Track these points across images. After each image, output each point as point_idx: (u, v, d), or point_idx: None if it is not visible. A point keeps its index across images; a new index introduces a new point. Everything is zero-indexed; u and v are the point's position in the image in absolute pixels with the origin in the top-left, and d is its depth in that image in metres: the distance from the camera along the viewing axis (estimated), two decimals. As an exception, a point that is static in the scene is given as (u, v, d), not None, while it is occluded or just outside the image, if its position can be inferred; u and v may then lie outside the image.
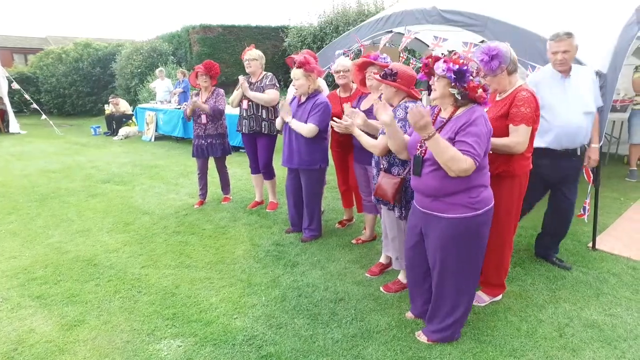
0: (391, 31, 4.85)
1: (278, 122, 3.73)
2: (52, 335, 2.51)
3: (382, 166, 2.64)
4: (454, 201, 2.04)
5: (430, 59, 2.04)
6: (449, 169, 1.95)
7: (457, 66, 1.92)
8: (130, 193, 5.34)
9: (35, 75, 14.89)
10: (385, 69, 2.51)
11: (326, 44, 7.86)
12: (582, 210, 3.29)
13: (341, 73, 3.50)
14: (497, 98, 2.49)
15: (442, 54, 2.06)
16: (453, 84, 1.97)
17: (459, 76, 1.94)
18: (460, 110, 2.04)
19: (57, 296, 2.93)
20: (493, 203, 2.13)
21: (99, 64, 14.53)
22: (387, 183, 2.52)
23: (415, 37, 5.82)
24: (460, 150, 1.94)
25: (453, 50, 2.06)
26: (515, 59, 2.43)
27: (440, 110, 2.16)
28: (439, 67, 1.97)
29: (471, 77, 1.94)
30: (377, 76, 2.55)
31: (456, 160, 1.91)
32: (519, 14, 3.58)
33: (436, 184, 2.04)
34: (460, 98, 2.00)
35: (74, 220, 4.40)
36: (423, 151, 2.10)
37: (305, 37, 11.13)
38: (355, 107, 3.27)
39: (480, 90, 1.95)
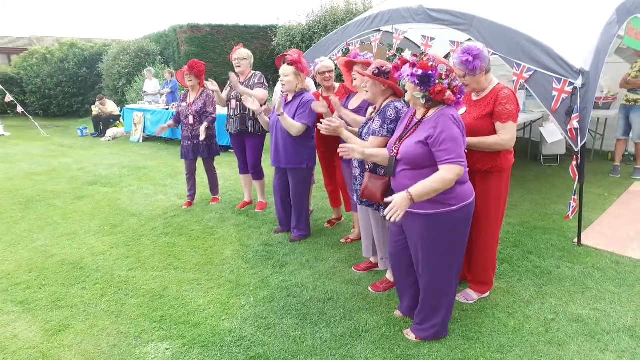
0: (379, 30, 4.87)
1: (264, 123, 3.71)
2: (36, 341, 2.47)
3: (367, 167, 2.63)
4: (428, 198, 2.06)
5: (400, 61, 2.07)
6: (447, 188, 1.98)
7: (420, 71, 1.94)
8: (118, 195, 5.27)
9: (20, 76, 14.62)
10: (378, 67, 2.49)
11: (315, 43, 7.85)
12: (568, 207, 3.33)
13: (326, 74, 3.49)
14: (475, 97, 2.51)
15: (413, 55, 2.06)
16: (418, 89, 1.99)
17: (423, 81, 1.96)
18: (431, 112, 2.06)
19: (41, 301, 2.88)
20: (472, 200, 2.14)
21: (85, 65, 14.33)
22: (374, 184, 2.50)
23: (404, 36, 5.85)
24: (441, 161, 1.96)
25: (423, 52, 2.07)
26: (490, 58, 2.46)
27: (416, 111, 2.17)
28: (405, 72, 2.00)
29: (438, 81, 1.95)
30: (370, 73, 2.52)
31: (443, 183, 1.95)
32: (504, 12, 3.62)
33: (409, 182, 2.06)
34: (424, 102, 2.02)
35: (59, 224, 4.33)
36: (396, 152, 2.13)
37: (293, 36, 11.10)
38: (343, 106, 3.28)
39: (448, 93, 1.96)
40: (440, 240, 2.13)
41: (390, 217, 1.93)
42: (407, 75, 1.99)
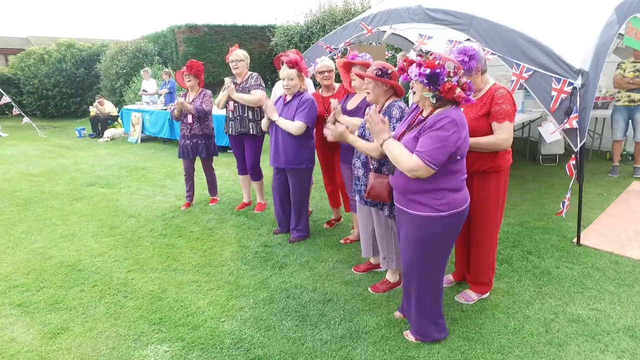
0: (378, 29, 4.86)
1: (264, 123, 3.71)
2: (34, 344, 2.46)
3: (371, 167, 2.62)
4: (419, 200, 2.08)
5: (405, 62, 2.03)
6: (401, 169, 2.04)
7: (429, 70, 1.92)
8: (116, 196, 5.25)
9: (17, 77, 14.56)
10: (380, 68, 2.49)
11: (313, 43, 7.84)
12: (561, 205, 3.34)
13: (325, 74, 3.49)
14: (472, 98, 2.50)
15: (418, 55, 2.03)
16: (427, 88, 1.97)
17: (432, 80, 1.93)
18: (437, 111, 2.05)
19: (39, 303, 2.87)
20: (464, 207, 2.12)
21: (83, 65, 14.29)
22: (380, 184, 2.48)
23: (401, 35, 5.85)
24: (415, 150, 1.99)
25: (429, 52, 2.04)
26: (486, 58, 2.46)
27: (422, 110, 2.16)
28: (412, 72, 1.98)
29: (447, 79, 1.93)
30: (373, 74, 2.50)
31: (401, 159, 2.01)
32: (503, 12, 3.61)
33: (403, 181, 2.10)
34: (435, 101, 2.00)
35: (57, 225, 4.31)
36: None
37: (292, 36, 11.09)
38: (341, 106, 3.27)
39: (458, 90, 1.95)
40: (427, 242, 2.13)
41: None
42: (415, 76, 1.96)
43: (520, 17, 3.54)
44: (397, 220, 2.30)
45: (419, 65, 1.95)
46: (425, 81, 1.94)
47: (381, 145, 2.12)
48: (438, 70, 1.91)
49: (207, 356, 2.31)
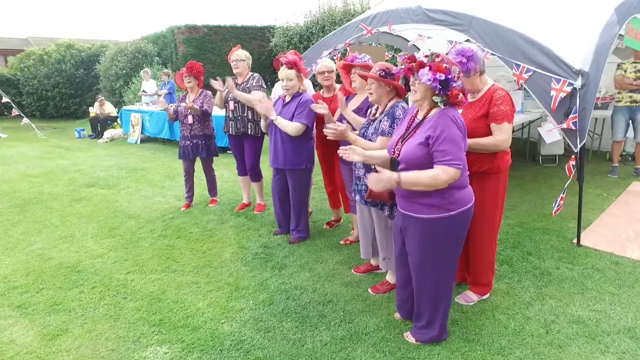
0: (377, 29, 4.86)
1: (263, 124, 3.71)
2: (34, 346, 2.45)
3: (373, 167, 2.61)
4: (427, 202, 2.04)
5: (414, 64, 2.00)
6: (437, 187, 1.96)
7: (443, 76, 1.90)
8: (116, 197, 5.25)
9: (16, 77, 14.56)
10: (384, 69, 2.49)
11: (312, 44, 7.84)
12: (554, 204, 3.34)
13: (325, 74, 3.49)
14: (470, 99, 2.51)
15: (426, 55, 2.00)
16: (437, 93, 1.96)
17: (444, 85, 1.92)
18: (433, 111, 2.04)
19: (38, 305, 2.86)
20: (471, 204, 2.12)
21: (83, 66, 14.29)
22: None
23: (400, 36, 5.85)
24: (438, 161, 1.95)
25: (434, 53, 2.00)
26: (484, 59, 2.46)
27: (418, 111, 2.15)
28: (424, 76, 1.94)
29: (454, 84, 1.93)
30: (377, 75, 2.50)
31: (434, 180, 1.93)
32: (503, 13, 3.61)
33: None
34: (443, 106, 1.99)
35: (57, 226, 4.31)
36: (397, 153, 2.11)
37: (291, 37, 11.09)
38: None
39: (460, 96, 1.95)
40: (439, 244, 2.11)
41: (368, 188, 1.93)
42: (429, 80, 1.92)
43: (519, 17, 3.54)
44: (403, 227, 2.24)
45: (432, 70, 1.92)
46: (439, 87, 1.92)
47: (400, 185, 1.97)
48: (450, 76, 1.91)
49: (207, 358, 2.31)
